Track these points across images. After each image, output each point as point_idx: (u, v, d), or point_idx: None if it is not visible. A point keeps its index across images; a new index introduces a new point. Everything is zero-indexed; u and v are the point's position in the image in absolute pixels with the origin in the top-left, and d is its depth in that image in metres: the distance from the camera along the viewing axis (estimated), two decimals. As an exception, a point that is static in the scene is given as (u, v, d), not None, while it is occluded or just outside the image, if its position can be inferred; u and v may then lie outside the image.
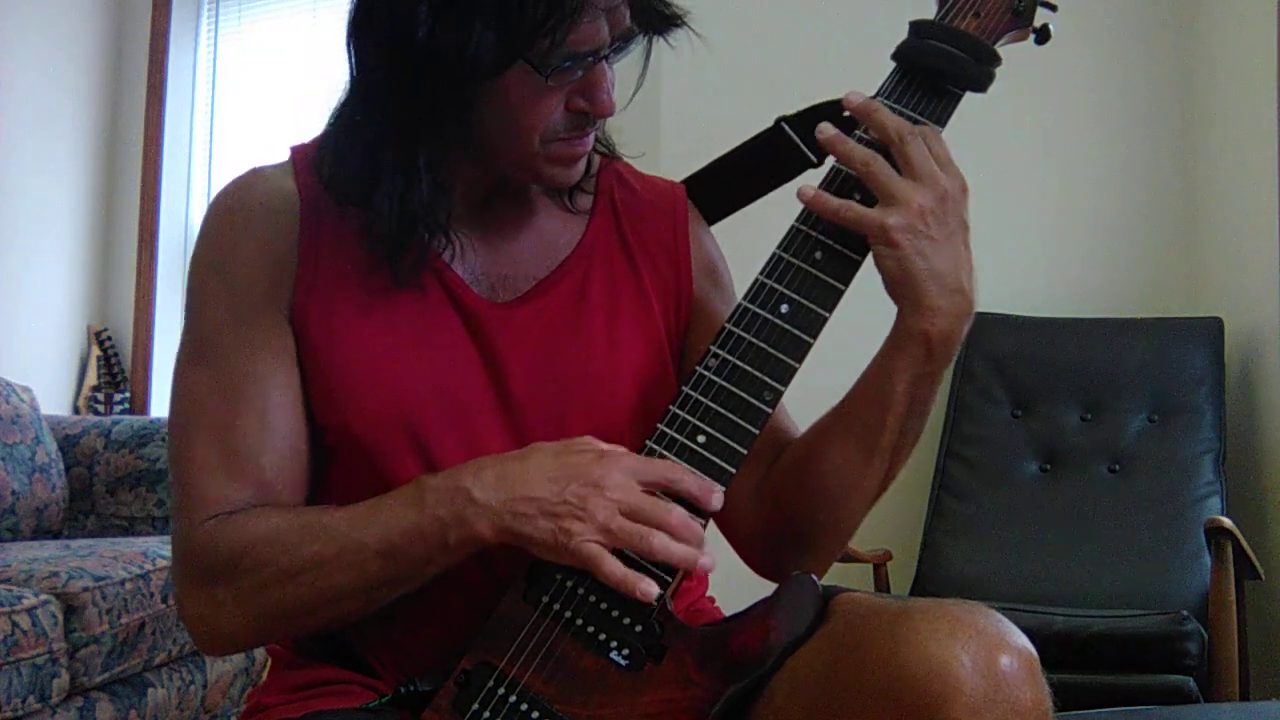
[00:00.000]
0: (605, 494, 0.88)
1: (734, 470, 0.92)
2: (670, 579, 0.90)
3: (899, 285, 0.91)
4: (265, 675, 1.06)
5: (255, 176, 1.04)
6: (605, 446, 0.91)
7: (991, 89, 0.99)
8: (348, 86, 0.99)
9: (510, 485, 0.89)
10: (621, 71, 1.00)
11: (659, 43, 1.00)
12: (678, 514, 0.89)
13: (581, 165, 1.02)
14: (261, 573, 0.93)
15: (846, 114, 1.06)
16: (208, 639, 0.99)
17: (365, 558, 0.91)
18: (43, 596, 2.07)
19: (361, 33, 0.96)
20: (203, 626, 0.98)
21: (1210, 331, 2.61)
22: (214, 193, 1.05)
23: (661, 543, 0.87)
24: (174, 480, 1.00)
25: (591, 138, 1.00)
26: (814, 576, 0.91)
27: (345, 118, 0.99)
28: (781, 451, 1.03)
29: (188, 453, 0.98)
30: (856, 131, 0.97)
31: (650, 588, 0.87)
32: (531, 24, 0.88)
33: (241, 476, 0.96)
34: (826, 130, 0.95)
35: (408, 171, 0.95)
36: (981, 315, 2.76)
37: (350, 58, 0.97)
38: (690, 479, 0.91)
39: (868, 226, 0.91)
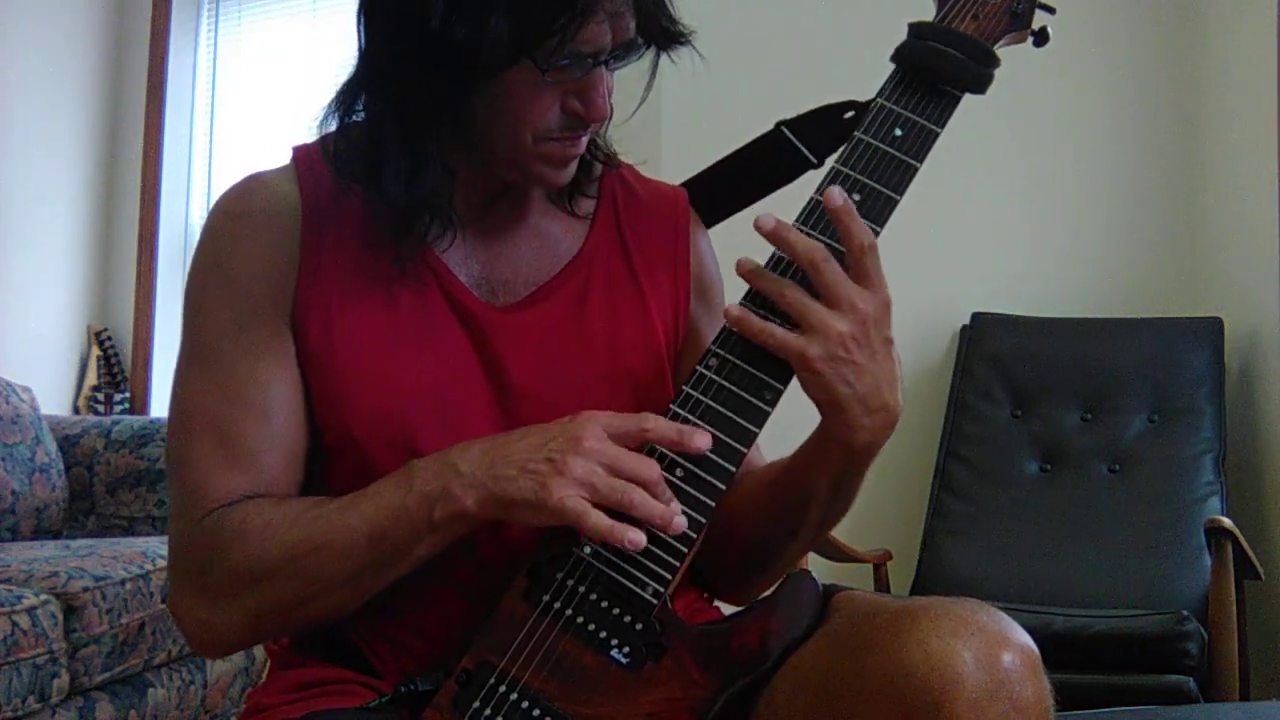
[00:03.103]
0: (583, 447, 0.88)
1: (734, 469, 0.92)
2: (670, 576, 0.90)
3: (823, 406, 0.92)
4: (265, 675, 1.06)
5: (256, 181, 1.04)
6: (587, 411, 0.91)
7: (993, 88, 0.99)
8: (355, 65, 0.99)
9: (493, 453, 0.90)
10: (626, 82, 1.00)
11: None
12: (657, 471, 0.89)
13: (572, 168, 1.02)
14: (254, 563, 0.92)
15: (848, 115, 1.07)
16: (204, 640, 0.99)
17: (354, 541, 0.91)
18: (43, 596, 2.07)
19: (373, 14, 0.96)
20: (199, 628, 0.97)
21: (1210, 331, 2.61)
22: (214, 193, 1.06)
23: (641, 498, 0.87)
24: (173, 482, 1.00)
25: (584, 141, 1.00)
26: (814, 576, 0.91)
27: (351, 97, 0.99)
28: (742, 479, 1.02)
29: (187, 454, 0.98)
30: (855, 133, 0.97)
31: (638, 536, 0.86)
32: (543, 21, 0.88)
33: (242, 474, 0.96)
34: (745, 264, 0.93)
35: (415, 154, 0.95)
36: (981, 315, 2.81)
37: (359, 37, 0.97)
38: (666, 424, 0.91)
39: (789, 355, 0.91)
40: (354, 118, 0.99)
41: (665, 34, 0.97)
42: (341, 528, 0.91)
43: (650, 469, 0.89)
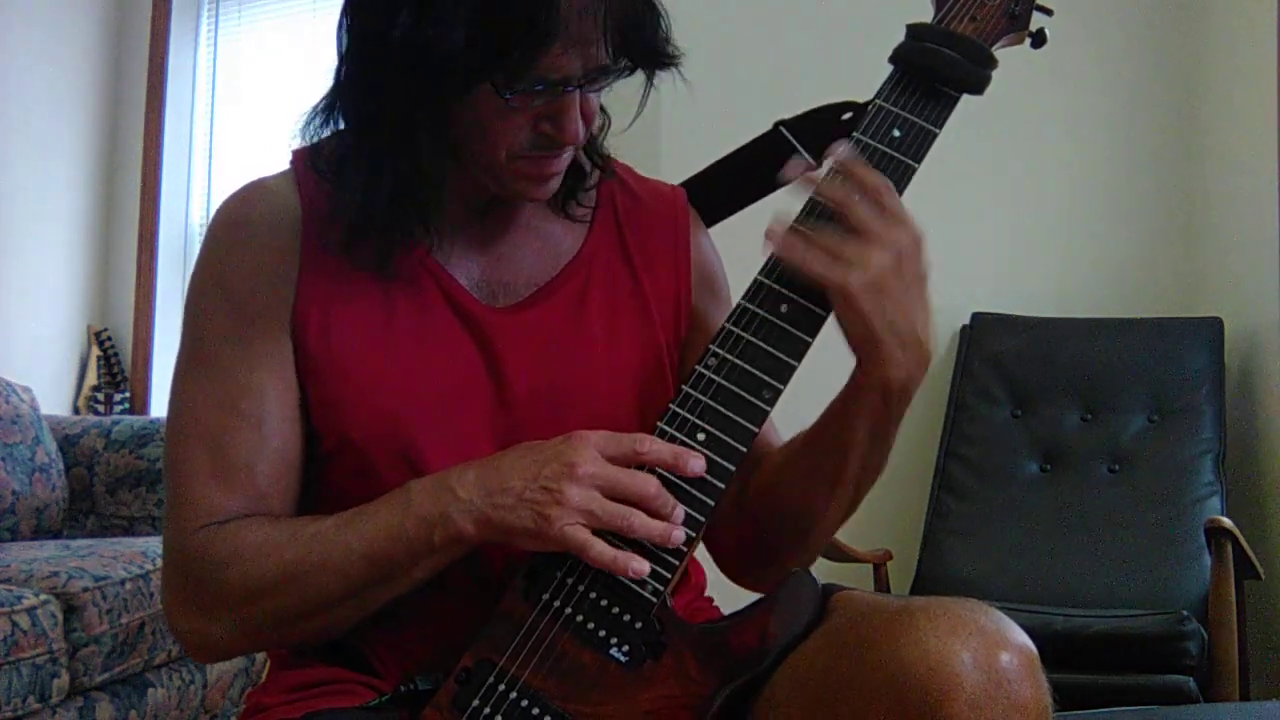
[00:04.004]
0: (578, 473, 0.88)
1: (733, 468, 0.92)
2: (669, 575, 0.90)
3: (858, 341, 0.92)
4: (265, 675, 1.06)
5: (257, 188, 1.05)
6: (579, 432, 0.91)
7: (992, 89, 0.99)
8: (334, 73, 0.99)
9: (489, 480, 0.90)
10: (622, 88, 1.00)
11: None
12: (655, 484, 0.89)
13: (554, 183, 1.01)
14: (249, 581, 0.93)
15: (846, 116, 1.07)
16: (198, 648, 0.99)
17: (351, 561, 0.91)
18: (43, 596, 2.07)
19: (346, 22, 0.97)
20: (193, 636, 0.98)
21: (1210, 331, 2.61)
22: (214, 193, 1.07)
23: (641, 522, 0.88)
24: (167, 490, 1.00)
25: (563, 158, 0.99)
26: (813, 575, 0.91)
27: (328, 105, 1.00)
28: (761, 462, 1.03)
29: (182, 463, 0.98)
30: (854, 134, 0.97)
31: (641, 565, 0.87)
32: (503, 45, 0.88)
33: (235, 486, 0.96)
34: (773, 232, 0.94)
35: (373, 165, 0.96)
36: (981, 315, 2.82)
37: (337, 45, 0.98)
38: (661, 447, 0.90)
39: (828, 284, 0.91)
40: (330, 125, 1.00)
41: (649, 57, 0.97)
42: (339, 546, 0.92)
43: (647, 485, 0.89)
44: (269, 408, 0.98)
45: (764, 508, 1.02)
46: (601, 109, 1.05)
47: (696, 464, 0.90)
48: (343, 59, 0.97)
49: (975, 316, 2.82)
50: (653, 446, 0.90)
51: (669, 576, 0.90)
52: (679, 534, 0.89)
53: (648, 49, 0.96)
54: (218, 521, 0.95)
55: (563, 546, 0.87)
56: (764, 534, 1.04)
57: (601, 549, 0.87)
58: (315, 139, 1.02)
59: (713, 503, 0.91)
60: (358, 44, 0.96)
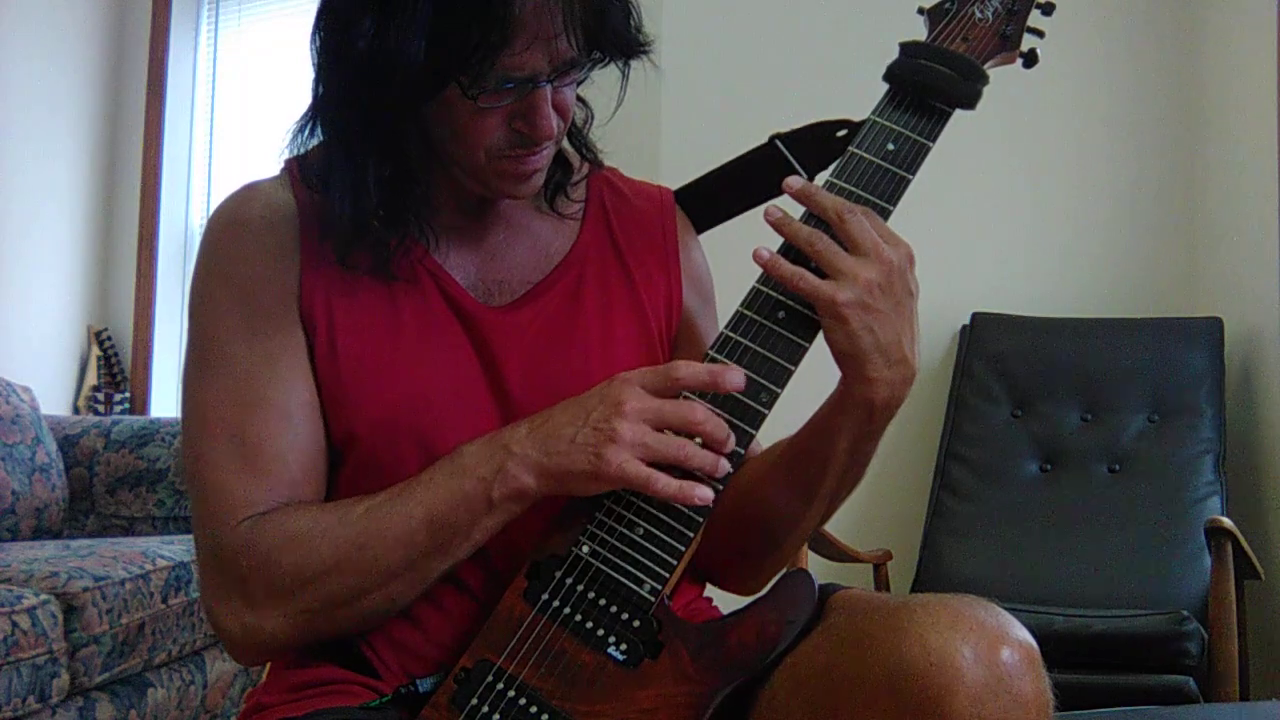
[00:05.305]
0: (625, 409, 0.89)
1: (731, 470, 0.92)
2: (668, 574, 0.90)
3: (845, 357, 0.93)
4: (265, 675, 1.06)
5: (252, 190, 1.05)
6: (621, 373, 0.93)
7: (993, 90, 1.00)
8: (311, 84, 1.00)
9: (541, 431, 0.91)
10: (611, 86, 1.01)
11: (659, 58, 1.01)
12: (701, 409, 0.91)
13: (536, 180, 1.02)
14: (305, 565, 0.92)
15: (841, 134, 1.08)
16: (249, 647, 0.97)
17: (412, 528, 0.91)
18: (43, 596, 2.07)
19: (315, 35, 0.98)
20: (243, 635, 0.96)
21: (1210, 331, 2.61)
22: (214, 193, 1.07)
23: (694, 452, 0.89)
24: (195, 493, 0.99)
25: (543, 155, 1.00)
26: (810, 574, 0.91)
27: (309, 116, 1.01)
28: (746, 464, 1.03)
29: (209, 462, 0.97)
30: (849, 148, 0.98)
31: (706, 492, 0.89)
32: (463, 48, 0.89)
33: (268, 477, 0.96)
34: (773, 213, 0.95)
35: (356, 174, 0.96)
36: (981, 315, 2.82)
37: (310, 59, 0.99)
38: (697, 369, 0.92)
39: (817, 300, 0.92)
40: (314, 138, 1.01)
41: (618, 46, 0.97)
42: (399, 516, 0.92)
43: (693, 411, 0.90)
44: (294, 397, 0.98)
45: (739, 513, 1.03)
46: (583, 101, 1.05)
47: (734, 378, 0.91)
48: (316, 73, 0.98)
49: (975, 316, 2.82)
50: (688, 371, 0.92)
51: (667, 575, 0.90)
52: (724, 464, 0.90)
53: (616, 38, 0.96)
54: (257, 514, 0.95)
55: (623, 483, 0.89)
56: (736, 538, 1.05)
57: (666, 481, 0.88)
58: (303, 151, 1.02)
59: (710, 505, 0.91)
60: (326, 57, 0.97)
